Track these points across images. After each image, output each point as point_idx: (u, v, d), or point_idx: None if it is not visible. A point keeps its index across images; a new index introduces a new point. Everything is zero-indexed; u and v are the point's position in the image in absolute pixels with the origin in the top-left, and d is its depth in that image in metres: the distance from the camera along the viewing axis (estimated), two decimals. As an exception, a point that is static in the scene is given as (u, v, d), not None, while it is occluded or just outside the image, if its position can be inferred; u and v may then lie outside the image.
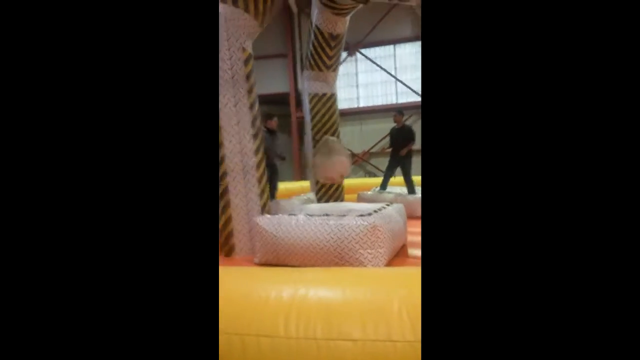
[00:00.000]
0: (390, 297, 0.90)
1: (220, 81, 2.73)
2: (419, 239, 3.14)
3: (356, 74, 9.97)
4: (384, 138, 8.34)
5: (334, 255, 2.38)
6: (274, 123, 4.09)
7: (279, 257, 2.51)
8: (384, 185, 5.00)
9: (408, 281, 1.03)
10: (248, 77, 2.84)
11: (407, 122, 8.84)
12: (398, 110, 4.95)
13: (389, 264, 2.43)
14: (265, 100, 6.25)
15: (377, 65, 9.58)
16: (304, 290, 0.96)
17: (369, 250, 2.35)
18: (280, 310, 0.91)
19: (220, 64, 2.73)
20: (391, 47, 9.63)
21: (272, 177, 3.91)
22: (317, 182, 4.40)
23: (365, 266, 2.27)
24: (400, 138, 4.64)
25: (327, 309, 0.90)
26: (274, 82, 9.49)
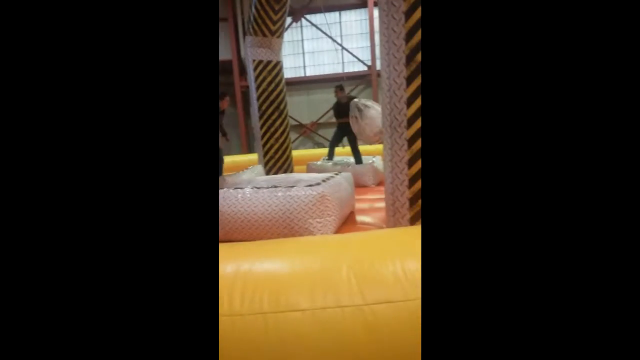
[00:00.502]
0: (338, 263, 0.89)
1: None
2: (366, 206, 3.23)
3: (302, 41, 9.66)
4: (331, 109, 8.31)
5: (282, 227, 2.36)
6: (225, 103, 3.75)
7: (225, 233, 2.43)
8: (330, 155, 5.01)
9: (354, 246, 1.02)
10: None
11: (354, 92, 8.88)
12: (338, 86, 4.73)
13: (338, 231, 2.47)
14: (205, 67, 5.78)
15: (323, 32, 9.35)
16: (248, 264, 0.91)
17: (318, 220, 2.36)
18: (222, 287, 0.85)
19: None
20: (336, 13, 9.41)
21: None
22: (264, 155, 4.27)
23: (314, 235, 2.28)
24: (342, 112, 4.52)
25: (273, 282, 0.86)
26: (215, 48, 8.85)
